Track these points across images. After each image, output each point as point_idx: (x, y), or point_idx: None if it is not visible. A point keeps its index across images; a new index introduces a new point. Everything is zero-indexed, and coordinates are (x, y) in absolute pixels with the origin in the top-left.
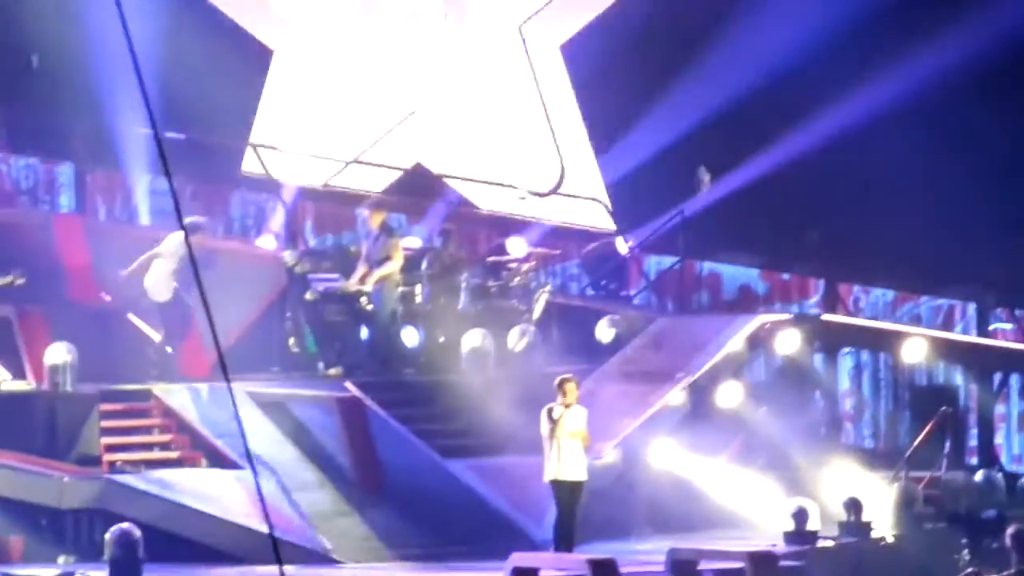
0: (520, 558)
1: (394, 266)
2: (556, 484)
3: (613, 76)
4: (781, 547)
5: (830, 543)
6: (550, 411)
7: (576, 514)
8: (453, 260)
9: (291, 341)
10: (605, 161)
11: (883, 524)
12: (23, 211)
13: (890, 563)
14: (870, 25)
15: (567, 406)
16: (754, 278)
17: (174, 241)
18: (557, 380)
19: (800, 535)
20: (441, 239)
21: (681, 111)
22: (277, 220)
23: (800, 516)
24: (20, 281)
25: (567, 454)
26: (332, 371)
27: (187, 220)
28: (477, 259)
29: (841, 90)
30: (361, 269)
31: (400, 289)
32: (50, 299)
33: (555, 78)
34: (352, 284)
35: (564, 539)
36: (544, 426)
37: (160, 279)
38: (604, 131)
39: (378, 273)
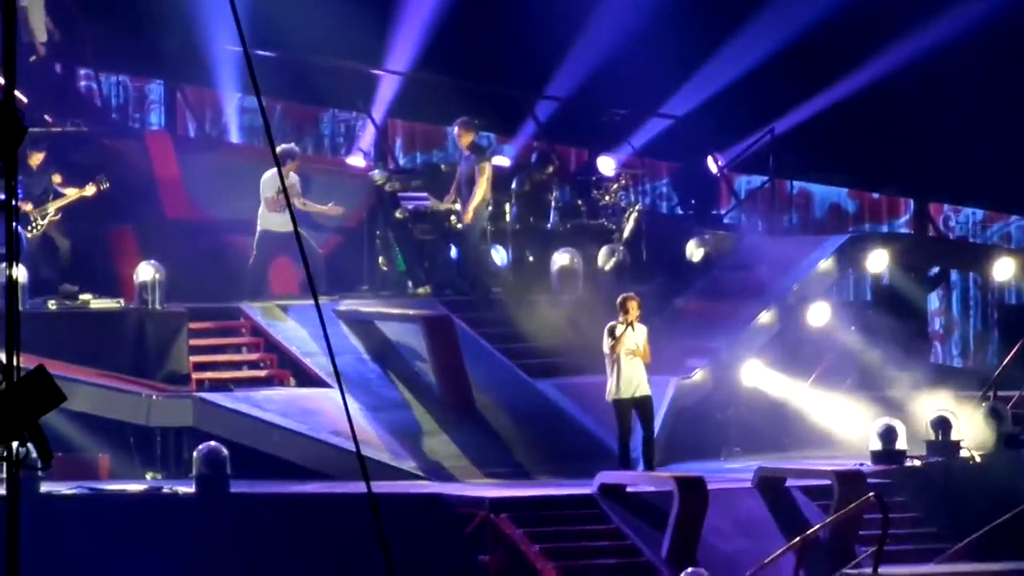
0: (607, 476)
1: (480, 192)
2: (618, 403)
3: None
4: (868, 466)
5: (917, 463)
6: (612, 329)
7: (651, 431)
8: (543, 179)
9: (380, 260)
10: (697, 78)
11: (971, 444)
12: (114, 128)
13: (977, 483)
14: None
15: (629, 324)
16: (844, 197)
17: (269, 177)
18: (619, 298)
19: (887, 454)
20: (536, 157)
21: (773, 29)
22: (367, 139)
23: (888, 435)
24: (105, 185)
25: (628, 372)
26: (421, 290)
27: (280, 147)
28: (567, 178)
29: (932, 8)
30: (453, 189)
31: (489, 208)
32: (140, 216)
33: None
34: (443, 204)
35: (644, 457)
36: (606, 344)
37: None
38: (697, 48)
39: (471, 207)
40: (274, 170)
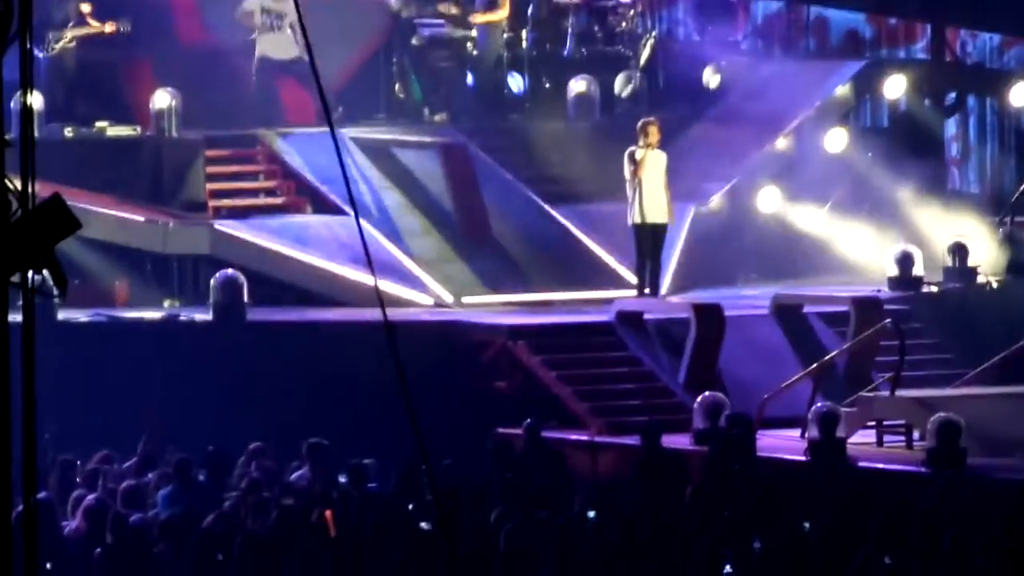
0: (624, 302)
1: (502, 13)
2: (638, 227)
3: None
4: (885, 292)
5: (934, 288)
6: (632, 154)
7: (660, 258)
8: (559, 5)
9: (397, 87)
10: None
11: (987, 269)
12: None
13: (994, 308)
14: None
15: (649, 148)
16: (861, 22)
17: None
18: (640, 123)
19: (905, 280)
20: None
21: None
22: None
23: (905, 261)
24: (126, 28)
25: (649, 197)
26: (438, 117)
27: None
28: (583, 4)
29: None
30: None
31: (506, 35)
32: (156, 43)
33: None
34: (447, 8)
35: (650, 283)
36: (627, 169)
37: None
38: None
39: (484, 17)
40: None
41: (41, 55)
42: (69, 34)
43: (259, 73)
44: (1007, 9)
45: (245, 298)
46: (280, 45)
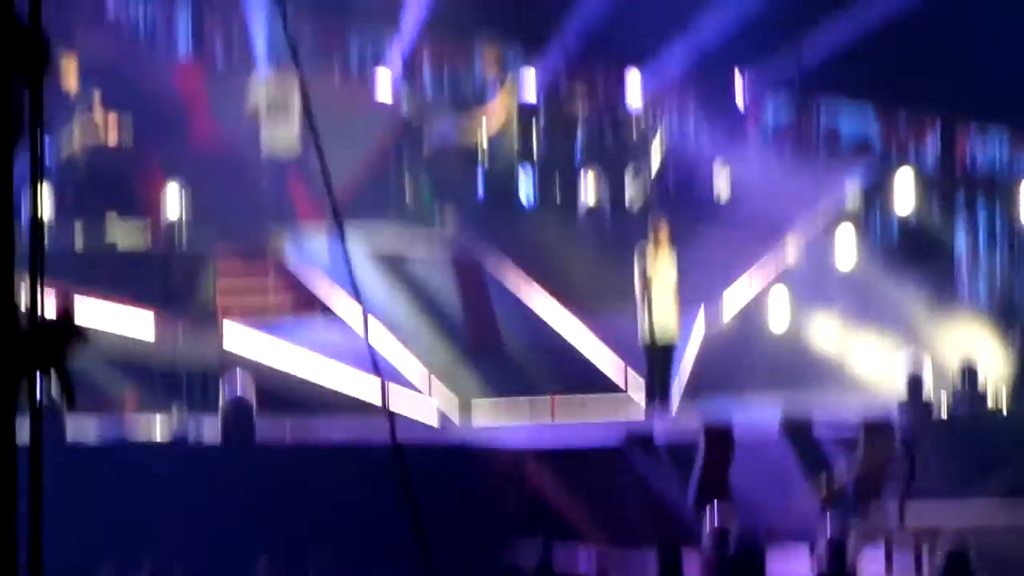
0: (634, 424)
1: (500, 117)
2: (650, 348)
3: None
4: (895, 414)
5: (944, 410)
6: (641, 263)
7: (669, 373)
8: (570, 113)
9: (406, 193)
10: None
11: (998, 390)
12: (140, 49)
13: (1005, 428)
14: None
15: (658, 256)
16: (871, 131)
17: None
18: (650, 222)
19: (914, 401)
20: (560, 90)
21: None
22: (395, 62)
23: (914, 379)
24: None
25: (660, 316)
26: (447, 223)
27: None
28: (593, 112)
29: None
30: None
31: (516, 143)
32: (168, 144)
33: None
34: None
35: (658, 395)
36: (638, 284)
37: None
38: None
39: (483, 127)
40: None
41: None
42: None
43: (267, 171)
44: (1018, 118)
45: (255, 404)
46: (286, 141)
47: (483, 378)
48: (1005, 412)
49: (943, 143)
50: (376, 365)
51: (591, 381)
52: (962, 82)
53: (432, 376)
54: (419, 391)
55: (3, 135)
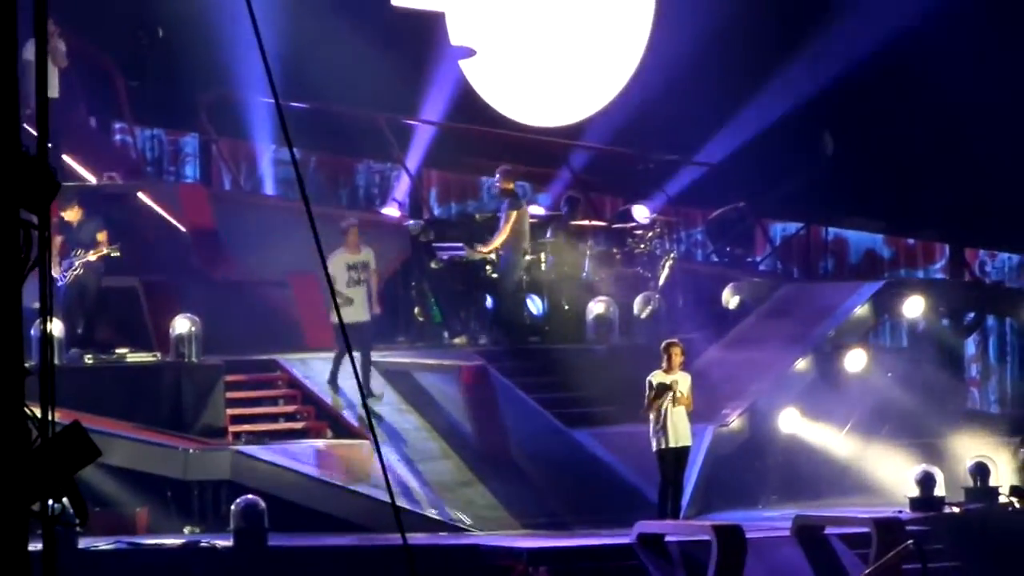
0: (646, 525)
1: (500, 237)
2: (662, 453)
3: (735, 41)
4: (907, 513)
5: (956, 509)
6: (656, 378)
7: (682, 480)
8: (578, 228)
9: (416, 310)
10: (730, 127)
11: (1009, 490)
12: (149, 182)
13: (1017, 529)
14: None
15: (672, 371)
16: (879, 243)
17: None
18: (663, 345)
19: (926, 501)
20: (567, 207)
21: (806, 76)
22: (401, 189)
23: (926, 482)
24: (116, 254)
25: (674, 422)
26: (457, 340)
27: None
28: (602, 227)
29: (968, 55)
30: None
31: (526, 257)
32: (175, 270)
33: None
34: (478, 253)
35: (672, 507)
36: (648, 397)
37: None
38: (730, 96)
39: (490, 245)
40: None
41: (60, 282)
42: (77, 262)
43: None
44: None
45: (266, 523)
46: (358, 305)
47: (494, 495)
48: (1017, 506)
49: (952, 257)
50: (386, 477)
51: (603, 498)
52: (970, 202)
53: (443, 493)
54: (430, 507)
55: (13, 265)
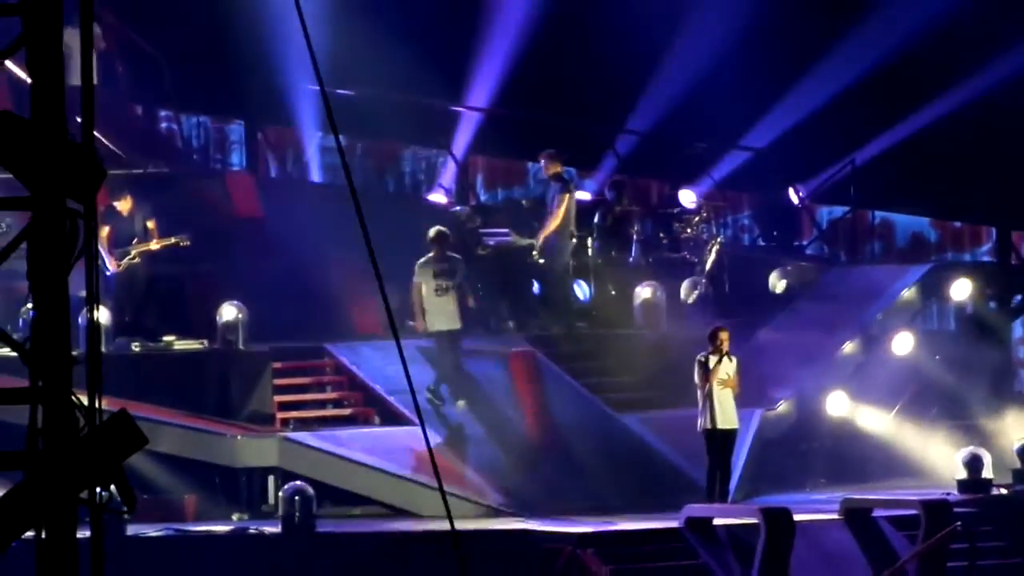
0: (694, 509)
1: (554, 221)
2: (710, 433)
3: (785, 24)
4: (955, 495)
5: (1004, 491)
6: (703, 361)
7: (730, 464)
8: (624, 212)
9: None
10: (777, 111)
11: None
12: (196, 170)
13: None
14: None
15: (720, 355)
16: (926, 226)
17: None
18: (710, 330)
19: (974, 483)
20: (613, 192)
21: (854, 59)
22: (448, 175)
23: (974, 464)
24: (186, 243)
25: (721, 404)
26: (505, 325)
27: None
28: (648, 211)
29: (1014, 36)
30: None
31: (573, 241)
32: (222, 257)
33: None
34: (526, 239)
35: (720, 490)
36: (698, 376)
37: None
38: (776, 81)
39: (542, 234)
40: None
41: (108, 271)
42: (134, 251)
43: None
44: None
45: (314, 510)
46: (447, 314)
47: (541, 481)
48: None
49: (998, 240)
50: (434, 463)
51: (652, 483)
52: (1017, 186)
53: (491, 479)
54: (478, 492)
55: (60, 254)
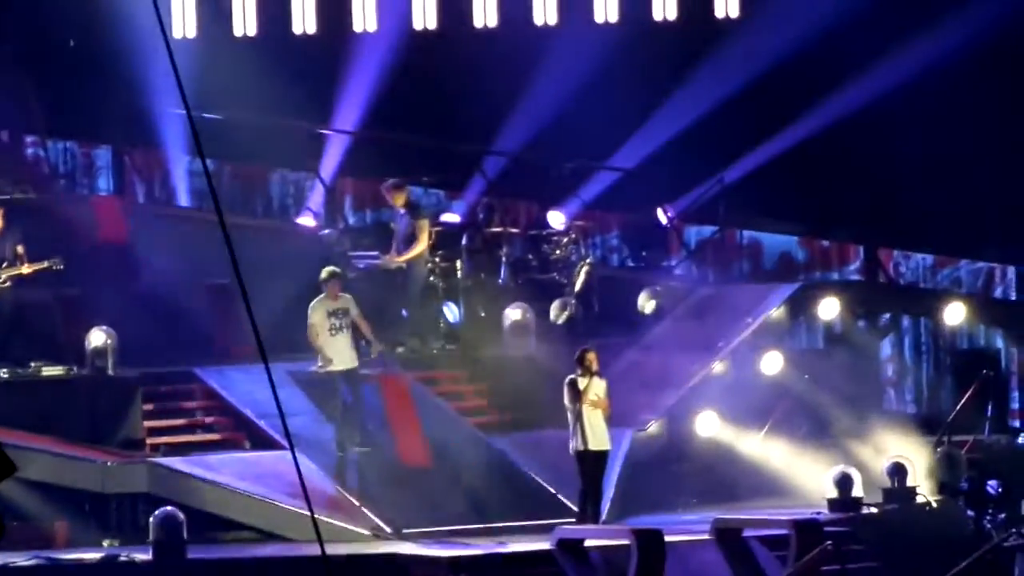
0: (565, 531)
1: (421, 247)
2: (581, 455)
3: (650, 46)
4: (825, 514)
5: (874, 510)
6: (572, 382)
7: (601, 485)
8: (493, 234)
9: None
10: (643, 132)
11: (927, 489)
12: (62, 194)
13: (935, 528)
14: None
15: (590, 376)
16: (794, 246)
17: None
18: (577, 352)
19: (844, 502)
20: (483, 213)
21: (718, 80)
22: (316, 198)
23: (844, 483)
24: (59, 267)
25: (591, 425)
26: (374, 349)
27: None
28: (517, 233)
29: (878, 55)
30: (393, 249)
31: (429, 265)
32: (90, 282)
33: None
34: (388, 262)
35: (591, 512)
36: (568, 397)
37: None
38: (645, 100)
39: (406, 255)
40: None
41: None
42: (4, 275)
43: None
44: (938, 230)
45: (184, 536)
46: (342, 354)
47: (414, 503)
48: (935, 506)
49: (866, 258)
50: (304, 487)
51: (523, 504)
52: (884, 205)
53: (363, 502)
54: (349, 516)
55: None
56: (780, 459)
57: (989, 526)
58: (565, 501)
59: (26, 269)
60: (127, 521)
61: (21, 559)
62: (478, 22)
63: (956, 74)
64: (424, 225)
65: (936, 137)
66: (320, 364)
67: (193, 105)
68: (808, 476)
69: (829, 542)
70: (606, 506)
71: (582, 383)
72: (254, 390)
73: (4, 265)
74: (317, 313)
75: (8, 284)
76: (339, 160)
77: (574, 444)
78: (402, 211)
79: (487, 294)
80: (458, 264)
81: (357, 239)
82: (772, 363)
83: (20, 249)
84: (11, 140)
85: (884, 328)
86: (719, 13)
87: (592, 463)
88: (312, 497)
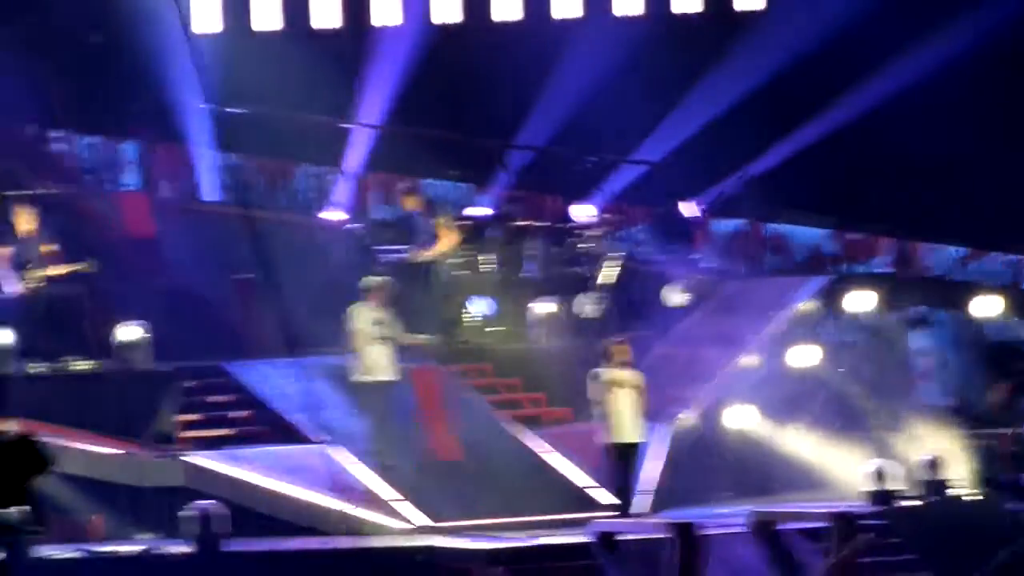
0: (601, 524)
1: (445, 245)
2: (613, 447)
3: (672, 38)
4: (862, 507)
5: (910, 503)
6: (595, 375)
7: (629, 477)
8: (521, 227)
9: None
10: (669, 124)
11: (963, 482)
12: (88, 189)
13: (971, 522)
14: None
15: (621, 366)
16: (823, 238)
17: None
18: (604, 345)
19: (879, 495)
20: (510, 207)
21: (748, 71)
22: (342, 192)
23: (879, 476)
24: (95, 268)
25: (623, 417)
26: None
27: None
28: (544, 226)
29: (906, 44)
30: (418, 245)
31: (451, 260)
32: (117, 277)
33: None
34: (415, 256)
35: (623, 504)
36: (593, 390)
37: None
38: (667, 94)
39: (434, 250)
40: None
41: (10, 293)
42: (40, 273)
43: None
44: (969, 222)
45: (221, 529)
46: (382, 364)
47: (447, 496)
48: (970, 498)
49: (896, 251)
50: (339, 481)
51: (556, 497)
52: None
53: (397, 495)
54: (383, 509)
55: None
56: (814, 452)
57: None
58: (597, 495)
59: (62, 270)
60: (163, 515)
61: (60, 552)
62: (500, 15)
63: (989, 63)
64: (441, 223)
65: (965, 128)
66: (358, 372)
67: (217, 100)
68: (842, 469)
69: (870, 533)
70: (646, 499)
71: (605, 375)
72: (286, 384)
73: (34, 263)
74: (361, 318)
75: (44, 282)
76: (365, 154)
77: (605, 436)
78: (416, 212)
79: (514, 288)
80: (485, 258)
81: (381, 233)
82: (803, 356)
83: (56, 248)
84: (36, 135)
85: (915, 321)
86: (742, 5)
87: (622, 455)
88: (347, 490)
